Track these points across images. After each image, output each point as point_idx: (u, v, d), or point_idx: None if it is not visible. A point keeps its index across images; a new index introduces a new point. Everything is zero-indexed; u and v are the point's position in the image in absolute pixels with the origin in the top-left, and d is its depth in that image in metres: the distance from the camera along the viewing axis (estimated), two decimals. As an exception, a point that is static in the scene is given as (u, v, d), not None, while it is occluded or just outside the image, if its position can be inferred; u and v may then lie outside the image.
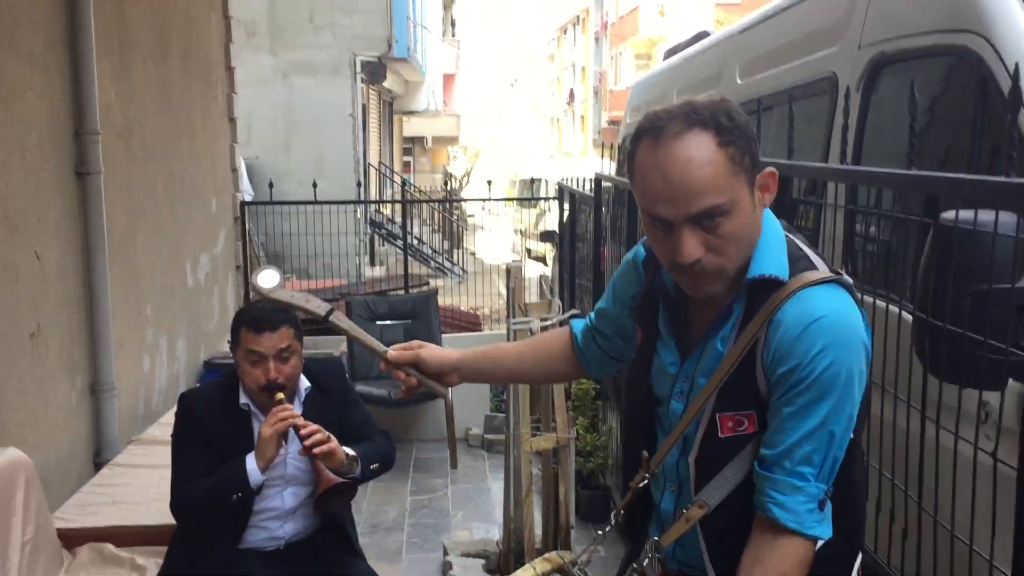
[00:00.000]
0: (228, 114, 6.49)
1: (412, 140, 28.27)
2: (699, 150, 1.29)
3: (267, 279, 1.67)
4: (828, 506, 1.39)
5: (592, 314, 1.79)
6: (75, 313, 3.65)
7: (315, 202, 6.59)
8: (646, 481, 1.56)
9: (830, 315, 1.34)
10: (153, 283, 4.62)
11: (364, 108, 14.43)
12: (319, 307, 1.63)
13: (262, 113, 12.04)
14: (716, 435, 1.44)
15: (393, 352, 1.68)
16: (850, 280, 1.41)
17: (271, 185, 7.10)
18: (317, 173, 10.88)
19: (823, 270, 1.39)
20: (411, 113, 21.72)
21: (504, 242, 20.76)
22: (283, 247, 9.69)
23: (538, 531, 3.92)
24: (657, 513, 1.59)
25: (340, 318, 1.63)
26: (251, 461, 2.42)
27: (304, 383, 2.66)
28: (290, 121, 12.54)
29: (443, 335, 6.00)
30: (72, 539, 2.93)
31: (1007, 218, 1.58)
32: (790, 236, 1.44)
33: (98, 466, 3.73)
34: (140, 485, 3.30)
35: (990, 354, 1.62)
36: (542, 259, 15.26)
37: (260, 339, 2.48)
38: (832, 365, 1.33)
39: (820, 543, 1.39)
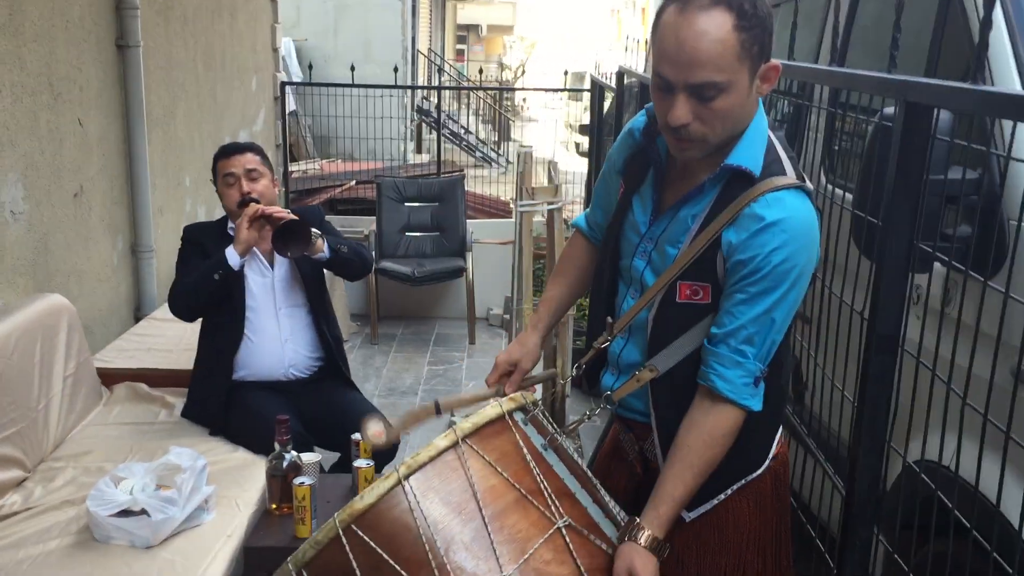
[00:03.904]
0: (270, -6, 6.62)
1: (467, 28, 27.91)
2: (716, 28, 1.42)
3: (374, 430, 1.85)
4: (762, 385, 1.59)
5: (586, 211, 1.95)
6: (116, 179, 3.95)
7: (351, 85, 6.77)
8: (609, 342, 1.75)
9: (789, 218, 1.51)
10: (193, 156, 4.89)
11: (414, -8, 14.32)
12: (426, 408, 1.80)
13: (312, -5, 12.07)
14: (675, 300, 1.63)
15: (509, 390, 1.81)
16: (811, 187, 1.59)
17: (311, 67, 7.27)
18: (365, 57, 10.98)
19: (791, 175, 1.56)
20: (464, -1, 21.45)
21: (554, 136, 20.59)
22: (329, 129, 9.92)
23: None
24: (607, 357, 1.81)
25: (447, 401, 1.81)
26: (230, 248, 2.90)
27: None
28: (339, 4, 12.53)
29: (469, 220, 6.21)
30: (110, 377, 3.30)
31: (945, 116, 1.71)
32: (771, 136, 1.61)
33: (138, 319, 4.10)
34: (172, 336, 3.65)
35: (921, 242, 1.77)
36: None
37: (231, 162, 3.04)
38: (785, 262, 1.51)
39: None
